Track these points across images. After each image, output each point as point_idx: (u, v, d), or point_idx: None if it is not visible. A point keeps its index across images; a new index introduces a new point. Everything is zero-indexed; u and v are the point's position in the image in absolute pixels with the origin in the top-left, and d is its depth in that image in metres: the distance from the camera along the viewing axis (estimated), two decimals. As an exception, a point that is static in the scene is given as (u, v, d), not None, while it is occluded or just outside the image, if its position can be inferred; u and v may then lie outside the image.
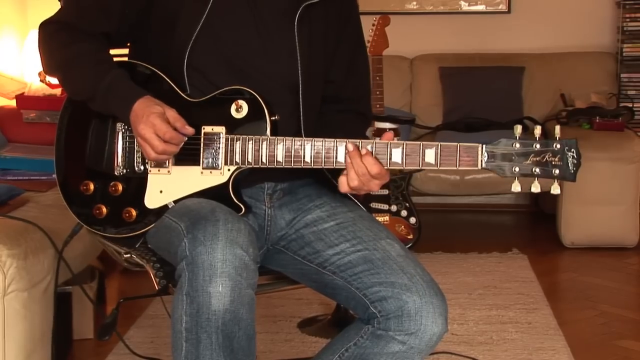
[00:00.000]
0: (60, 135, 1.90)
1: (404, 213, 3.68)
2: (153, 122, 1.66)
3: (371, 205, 3.66)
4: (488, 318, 3.09)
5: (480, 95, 4.57)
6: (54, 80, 3.58)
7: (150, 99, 1.70)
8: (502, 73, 4.65)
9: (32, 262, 2.26)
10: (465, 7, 4.90)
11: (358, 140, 1.66)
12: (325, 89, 1.91)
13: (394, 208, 3.67)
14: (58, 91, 3.50)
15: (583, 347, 2.84)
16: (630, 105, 4.45)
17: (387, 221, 3.65)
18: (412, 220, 3.67)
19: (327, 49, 1.88)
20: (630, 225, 3.97)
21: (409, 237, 3.69)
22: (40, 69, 3.57)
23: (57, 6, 2.01)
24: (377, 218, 3.26)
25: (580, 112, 4.31)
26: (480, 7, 4.89)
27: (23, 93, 3.55)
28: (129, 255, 1.87)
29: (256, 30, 1.80)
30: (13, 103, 3.54)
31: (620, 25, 4.59)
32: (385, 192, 3.67)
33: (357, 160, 1.64)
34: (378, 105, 3.59)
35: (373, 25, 3.67)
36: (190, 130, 1.70)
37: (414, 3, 4.91)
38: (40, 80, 3.58)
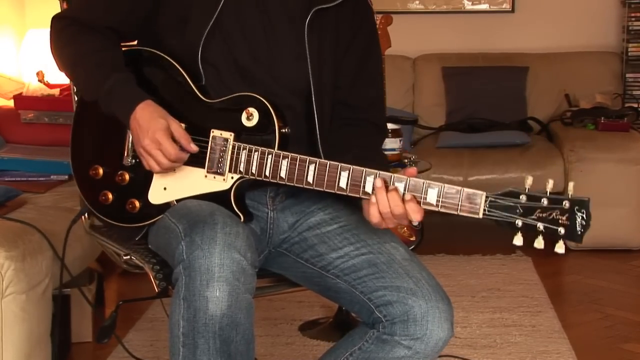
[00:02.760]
0: (78, 117, 1.91)
1: (406, 214, 3.64)
2: (160, 140, 1.64)
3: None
4: (491, 321, 3.07)
5: (483, 96, 4.56)
6: (53, 80, 3.57)
7: (152, 107, 1.68)
8: (505, 73, 4.63)
9: (30, 265, 2.24)
10: (468, 6, 4.87)
11: (387, 173, 1.57)
12: (333, 95, 1.87)
13: (396, 209, 3.64)
14: (56, 91, 3.48)
15: (588, 351, 2.82)
16: (635, 105, 4.43)
17: (389, 223, 3.62)
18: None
19: (338, 55, 1.84)
20: (635, 227, 3.94)
21: (411, 239, 3.66)
22: (39, 68, 3.59)
23: (55, 5, 2.00)
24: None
25: (585, 113, 4.29)
26: (484, 7, 4.87)
27: (21, 93, 3.53)
28: (128, 257, 1.86)
29: (264, 33, 1.78)
30: (11, 103, 3.52)
31: (626, 25, 4.57)
32: (388, 193, 3.64)
33: (397, 199, 1.56)
34: (380, 106, 3.56)
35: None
36: (194, 148, 1.68)
37: (417, 2, 4.88)
38: (39, 80, 3.56)
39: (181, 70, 1.76)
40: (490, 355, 2.76)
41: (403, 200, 1.55)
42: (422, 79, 4.73)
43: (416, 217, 1.55)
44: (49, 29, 1.82)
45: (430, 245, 3.83)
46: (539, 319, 3.07)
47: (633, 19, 4.55)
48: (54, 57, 1.82)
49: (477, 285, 3.47)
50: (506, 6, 4.85)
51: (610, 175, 3.88)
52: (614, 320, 3.12)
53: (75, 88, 2.03)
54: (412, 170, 1.59)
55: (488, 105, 4.51)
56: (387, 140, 3.44)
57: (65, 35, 1.79)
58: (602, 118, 4.15)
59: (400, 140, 3.45)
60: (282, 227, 1.82)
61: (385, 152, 3.30)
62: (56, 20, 1.82)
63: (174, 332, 1.52)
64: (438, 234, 4.21)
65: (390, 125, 3.49)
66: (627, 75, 4.57)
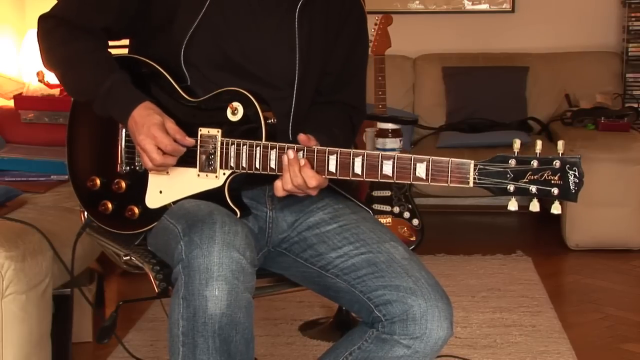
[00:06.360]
0: (71, 130, 1.91)
1: (406, 215, 3.65)
2: (154, 133, 1.65)
3: (373, 206, 3.63)
4: (491, 321, 3.07)
5: (483, 96, 4.56)
6: (53, 80, 3.57)
7: (150, 107, 1.69)
8: (506, 73, 4.63)
9: (30, 265, 2.24)
10: (468, 6, 4.87)
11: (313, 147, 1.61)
12: (322, 81, 1.88)
13: (396, 209, 3.64)
14: (56, 91, 3.48)
15: (588, 351, 2.82)
16: (635, 105, 4.43)
17: (389, 223, 3.62)
18: (415, 222, 3.64)
19: (327, 43, 1.85)
20: (635, 227, 3.93)
21: (411, 239, 3.66)
22: (39, 68, 3.59)
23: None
24: (379, 219, 3.23)
25: (585, 113, 4.29)
26: (484, 7, 4.86)
27: (21, 93, 3.53)
28: (128, 257, 1.86)
29: (255, 25, 1.78)
30: (11, 103, 3.52)
31: (626, 25, 4.57)
32: (388, 193, 3.64)
33: (295, 169, 1.61)
34: (380, 106, 3.56)
35: (375, 24, 3.64)
36: (190, 141, 1.69)
37: (417, 2, 4.88)
38: (39, 80, 3.56)
39: (164, 72, 1.76)
40: (490, 355, 2.76)
41: (300, 169, 1.59)
42: (422, 79, 4.73)
43: (311, 182, 1.60)
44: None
45: (430, 245, 3.83)
46: (539, 319, 3.07)
47: (633, 19, 4.54)
48: (42, 56, 1.81)
49: (477, 285, 3.47)
50: (506, 6, 4.85)
51: (610, 175, 3.87)
52: (614, 320, 3.12)
53: (66, 88, 1.93)
54: (302, 137, 1.62)
55: (488, 105, 4.51)
56: (387, 140, 3.45)
57: (55, 35, 1.77)
58: (602, 118, 4.15)
59: (400, 140, 3.45)
60: (282, 226, 1.81)
61: (386, 153, 3.30)
62: (44, 20, 1.80)
63: (174, 331, 1.52)
64: (438, 234, 4.21)
65: (390, 125, 3.49)
66: (627, 75, 4.57)
